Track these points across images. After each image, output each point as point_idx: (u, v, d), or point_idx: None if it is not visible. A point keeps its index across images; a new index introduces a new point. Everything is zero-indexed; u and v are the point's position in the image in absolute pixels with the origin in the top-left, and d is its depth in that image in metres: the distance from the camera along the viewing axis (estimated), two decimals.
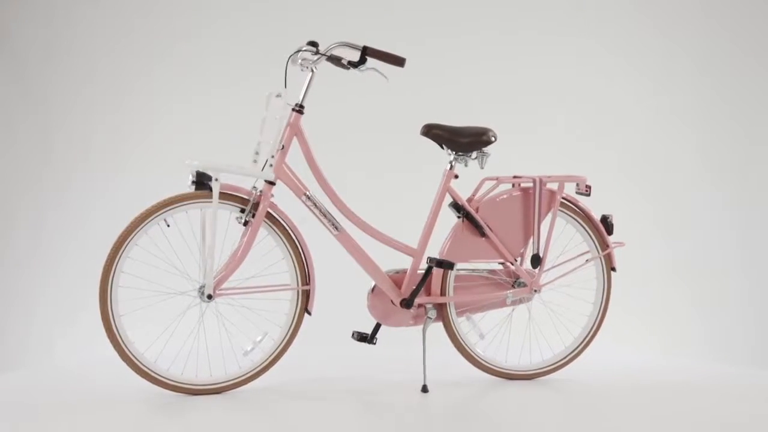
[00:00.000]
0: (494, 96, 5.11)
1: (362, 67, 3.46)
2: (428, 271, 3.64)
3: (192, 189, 3.39)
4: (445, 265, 3.64)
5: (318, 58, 3.50)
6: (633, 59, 5.11)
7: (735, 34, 5.00)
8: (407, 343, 3.94)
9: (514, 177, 3.84)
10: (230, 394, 3.49)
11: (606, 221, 4.01)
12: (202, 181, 3.38)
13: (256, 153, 3.49)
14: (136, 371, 3.42)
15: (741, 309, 4.73)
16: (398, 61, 3.45)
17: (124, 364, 3.42)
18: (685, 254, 4.93)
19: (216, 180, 3.37)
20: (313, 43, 3.58)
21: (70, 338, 4.48)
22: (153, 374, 3.43)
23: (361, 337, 3.61)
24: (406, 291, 3.63)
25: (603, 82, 5.12)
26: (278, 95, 3.48)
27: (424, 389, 3.62)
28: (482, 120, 5.10)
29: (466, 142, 3.68)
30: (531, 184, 3.81)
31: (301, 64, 3.54)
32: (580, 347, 3.97)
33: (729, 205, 4.93)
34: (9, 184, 4.67)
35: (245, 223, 3.49)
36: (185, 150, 5.02)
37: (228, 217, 3.48)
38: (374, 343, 3.62)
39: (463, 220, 3.71)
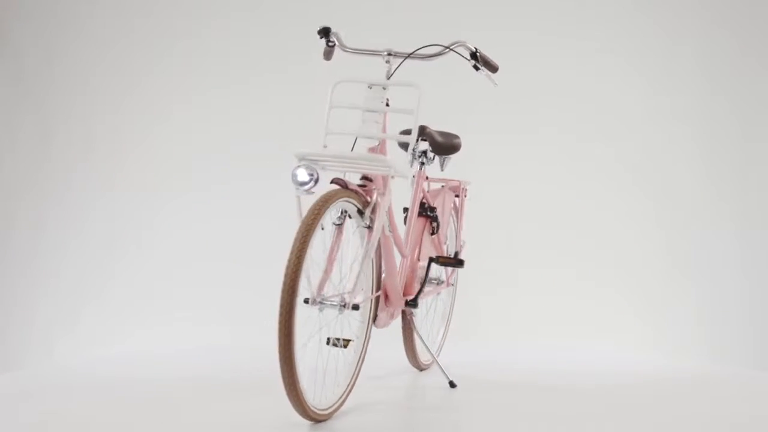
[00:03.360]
0: (494, 96, 5.11)
1: (481, 71, 3.43)
2: (428, 270, 3.64)
3: (310, 186, 3.01)
4: (461, 264, 3.66)
5: (443, 51, 3.37)
6: (633, 59, 5.11)
7: (735, 34, 5.00)
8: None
9: (427, 179, 3.87)
10: (236, 392, 3.49)
11: None
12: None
13: (325, 147, 3.16)
14: (297, 403, 2.95)
15: (741, 309, 4.73)
16: (495, 69, 3.48)
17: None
18: (685, 254, 4.94)
19: (391, 177, 3.08)
20: (327, 30, 3.49)
21: (70, 338, 4.48)
22: (304, 403, 2.98)
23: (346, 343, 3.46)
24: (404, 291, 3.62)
25: (603, 82, 5.12)
26: (384, 87, 3.20)
27: (452, 385, 3.63)
28: (483, 120, 5.13)
29: (449, 145, 3.72)
30: (451, 187, 3.91)
31: (393, 55, 3.31)
32: (445, 334, 4.19)
33: (729, 205, 4.94)
34: (9, 184, 4.67)
35: (367, 227, 3.13)
36: (185, 150, 5.03)
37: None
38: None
39: (431, 221, 3.72)
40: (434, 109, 4.90)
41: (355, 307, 3.05)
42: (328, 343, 3.39)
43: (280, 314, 2.85)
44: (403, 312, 3.70)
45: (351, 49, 3.43)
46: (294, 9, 5.10)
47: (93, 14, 4.94)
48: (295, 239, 2.93)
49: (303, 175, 3.00)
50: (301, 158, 3.02)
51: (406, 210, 3.72)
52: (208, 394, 3.50)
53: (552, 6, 5.16)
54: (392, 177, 3.09)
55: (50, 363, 4.22)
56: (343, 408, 3.21)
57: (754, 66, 4.97)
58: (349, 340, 3.41)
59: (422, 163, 3.70)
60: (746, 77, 4.98)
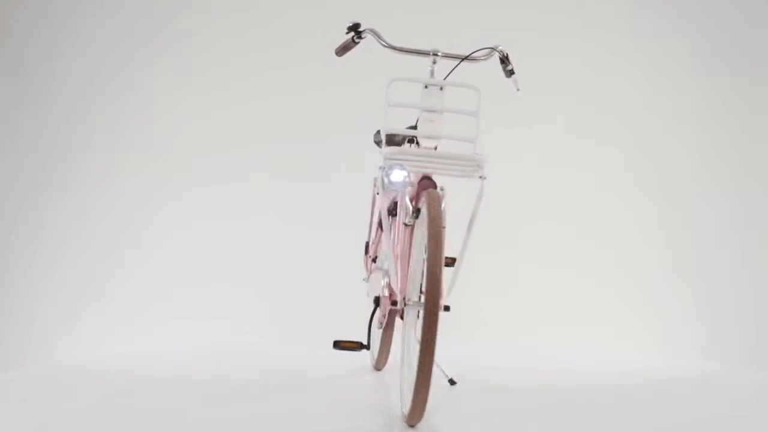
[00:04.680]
0: (494, 96, 5.11)
1: (512, 76, 3.45)
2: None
3: (403, 186, 3.00)
4: (453, 263, 3.65)
5: (490, 54, 3.38)
6: (633, 59, 5.11)
7: (735, 34, 5.00)
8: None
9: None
10: (241, 389, 3.49)
11: None
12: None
13: (379, 144, 3.15)
14: (422, 411, 2.96)
15: (741, 309, 4.73)
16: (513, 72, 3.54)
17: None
18: (685, 254, 4.94)
19: (482, 178, 3.07)
20: (357, 25, 3.44)
21: (70, 338, 4.48)
22: None
23: (361, 346, 3.45)
24: None
25: (603, 82, 5.12)
26: (441, 87, 3.19)
27: (452, 382, 3.62)
28: (483, 120, 5.12)
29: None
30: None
31: (442, 55, 3.31)
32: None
33: (729, 204, 4.94)
34: (9, 184, 4.66)
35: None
36: (185, 150, 5.03)
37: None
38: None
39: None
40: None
41: (446, 309, 3.01)
42: (335, 346, 3.39)
43: (428, 322, 2.78)
44: (390, 312, 3.69)
45: (394, 47, 3.36)
46: (294, 9, 5.10)
47: (93, 14, 4.93)
48: (433, 244, 2.82)
49: (398, 175, 2.97)
50: (391, 157, 2.97)
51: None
52: (209, 394, 3.50)
53: (552, 6, 5.16)
54: (484, 178, 3.05)
55: (50, 363, 4.21)
56: (341, 409, 3.21)
57: (754, 66, 4.97)
58: (353, 342, 3.41)
59: None
60: (746, 77, 4.98)
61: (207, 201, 5.01)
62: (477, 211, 3.04)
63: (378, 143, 3.78)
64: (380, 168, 3.00)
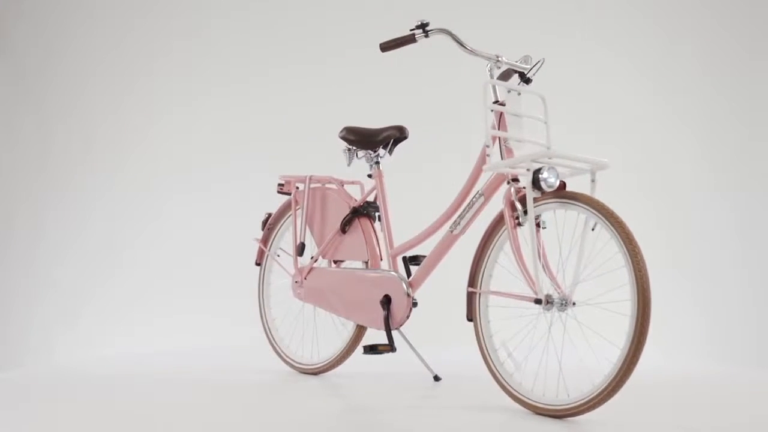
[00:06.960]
0: None
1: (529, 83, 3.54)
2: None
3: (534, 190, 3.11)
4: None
5: (543, 62, 3.50)
6: (633, 59, 5.11)
7: (736, 33, 5.00)
8: None
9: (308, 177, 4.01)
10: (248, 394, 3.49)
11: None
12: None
13: (487, 146, 3.24)
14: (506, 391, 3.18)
15: (742, 309, 4.73)
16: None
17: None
18: (685, 253, 4.93)
19: (594, 181, 3.21)
20: (425, 24, 3.51)
21: (69, 338, 4.48)
22: (517, 394, 3.24)
23: (390, 348, 3.46)
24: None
25: (603, 82, 5.12)
26: (519, 93, 3.34)
27: (436, 378, 3.65)
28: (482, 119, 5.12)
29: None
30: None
31: (504, 62, 3.43)
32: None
33: (730, 204, 4.93)
34: (9, 184, 4.67)
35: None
36: (185, 150, 5.03)
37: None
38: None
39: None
40: (434, 108, 4.92)
41: (574, 304, 3.11)
42: (365, 352, 3.46)
43: (642, 321, 2.94)
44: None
45: (467, 47, 3.45)
46: (293, 9, 5.10)
47: (93, 14, 4.94)
48: (633, 245, 3.11)
49: (554, 177, 3.11)
50: (540, 160, 3.10)
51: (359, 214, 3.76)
52: (209, 394, 3.50)
53: (553, 6, 5.16)
54: (594, 181, 3.18)
55: (50, 363, 4.21)
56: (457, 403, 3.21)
57: (755, 65, 4.97)
58: (387, 345, 3.41)
59: (377, 162, 3.75)
60: (747, 76, 4.98)
61: (207, 201, 5.01)
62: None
63: (345, 140, 3.80)
64: (528, 170, 3.12)
